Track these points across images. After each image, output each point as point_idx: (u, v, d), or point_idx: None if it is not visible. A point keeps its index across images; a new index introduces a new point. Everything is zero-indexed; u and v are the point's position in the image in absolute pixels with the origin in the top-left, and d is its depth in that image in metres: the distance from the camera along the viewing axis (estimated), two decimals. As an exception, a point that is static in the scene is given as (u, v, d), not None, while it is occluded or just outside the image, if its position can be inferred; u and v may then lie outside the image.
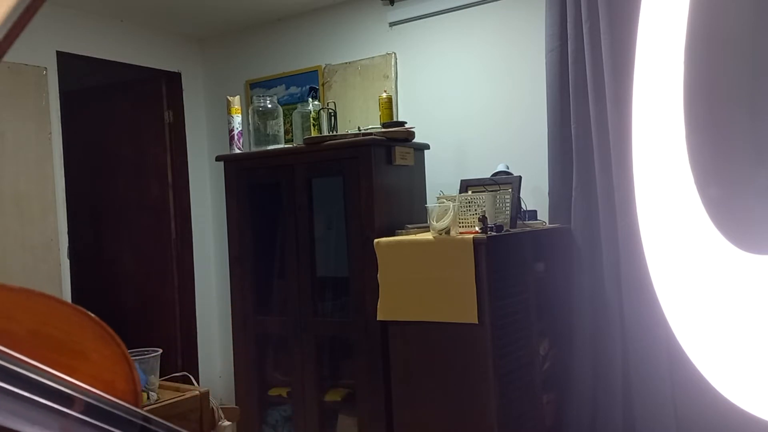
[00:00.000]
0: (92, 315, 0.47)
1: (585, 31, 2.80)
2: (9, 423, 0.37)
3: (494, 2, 3.32)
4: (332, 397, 3.05)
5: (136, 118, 4.37)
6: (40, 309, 0.47)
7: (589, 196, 2.86)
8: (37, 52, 3.50)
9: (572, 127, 2.88)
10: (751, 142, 2.08)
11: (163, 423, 0.43)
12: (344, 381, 3.09)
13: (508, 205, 2.73)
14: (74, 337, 0.45)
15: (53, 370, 0.40)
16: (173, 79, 4.30)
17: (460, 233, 2.50)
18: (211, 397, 2.37)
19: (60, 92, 3.64)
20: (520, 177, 2.95)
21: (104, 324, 0.47)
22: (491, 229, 2.47)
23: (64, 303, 0.47)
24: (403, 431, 2.66)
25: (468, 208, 2.62)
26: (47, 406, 0.38)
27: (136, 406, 0.44)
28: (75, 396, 0.40)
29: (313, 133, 3.24)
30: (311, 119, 3.31)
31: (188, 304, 4.30)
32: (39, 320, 0.45)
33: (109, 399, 0.41)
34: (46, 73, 3.53)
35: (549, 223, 2.98)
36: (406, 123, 3.13)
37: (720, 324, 1.85)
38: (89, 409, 0.40)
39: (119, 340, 0.47)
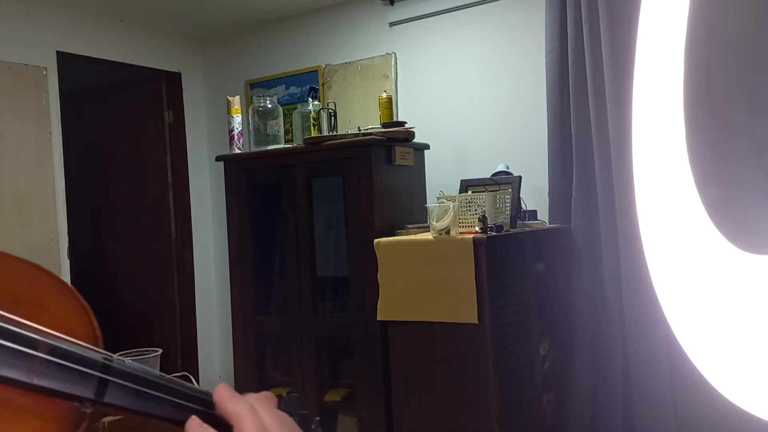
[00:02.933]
0: (48, 270, 0.51)
1: (585, 31, 2.80)
2: None
3: (494, 2, 3.32)
4: (332, 397, 3.05)
5: (136, 118, 4.37)
6: None
7: (589, 196, 2.86)
8: (37, 52, 3.50)
9: (572, 127, 2.88)
10: (751, 142, 2.08)
11: (122, 360, 0.46)
12: (344, 381, 3.09)
13: (508, 205, 2.73)
14: (33, 290, 0.48)
15: (18, 318, 0.44)
16: (173, 79, 4.30)
17: (460, 233, 2.50)
18: (211, 397, 2.37)
19: (60, 92, 3.64)
20: (520, 177, 2.95)
21: (60, 278, 0.51)
22: (491, 229, 2.47)
23: (20, 259, 0.51)
24: (403, 431, 2.66)
25: (468, 208, 2.62)
26: (15, 349, 0.42)
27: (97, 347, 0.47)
28: (39, 339, 0.43)
29: (313, 133, 3.24)
30: (311, 119, 3.31)
31: (188, 304, 4.30)
32: None
33: (71, 341, 0.44)
34: (46, 73, 3.53)
35: (549, 223, 2.98)
36: (406, 123, 3.13)
37: (720, 324, 1.85)
38: (53, 351, 0.43)
39: (76, 293, 0.50)
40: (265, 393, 0.54)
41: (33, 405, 0.42)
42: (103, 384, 0.45)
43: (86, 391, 0.44)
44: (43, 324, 0.45)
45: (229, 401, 0.49)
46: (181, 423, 0.50)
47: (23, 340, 0.42)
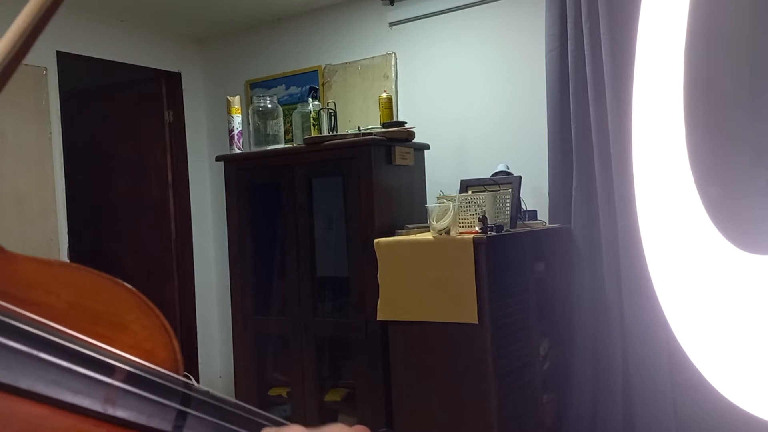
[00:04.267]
0: (130, 287, 0.48)
1: (585, 31, 2.80)
2: (52, 393, 0.38)
3: (494, 2, 3.32)
4: (332, 397, 3.05)
5: (136, 118, 4.37)
6: (78, 282, 0.47)
7: (589, 196, 2.86)
8: (37, 52, 3.48)
9: (572, 127, 2.88)
10: (751, 142, 2.08)
11: (203, 389, 0.44)
12: (344, 381, 3.09)
13: (508, 205, 2.73)
14: (113, 308, 0.46)
15: (93, 340, 0.41)
16: (173, 79, 4.30)
17: (460, 233, 2.50)
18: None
19: (60, 92, 3.64)
20: (520, 177, 2.95)
21: (142, 295, 0.47)
22: (491, 229, 2.47)
23: (101, 275, 0.48)
24: (403, 431, 2.66)
25: (468, 208, 2.62)
26: (89, 375, 0.39)
27: (177, 374, 0.44)
28: (116, 365, 0.40)
29: (313, 133, 3.24)
30: (311, 119, 3.31)
31: (188, 304, 4.30)
32: (78, 293, 0.45)
33: (150, 367, 0.42)
34: (46, 73, 3.53)
35: (549, 223, 2.98)
36: (406, 123, 3.13)
37: (720, 324, 1.85)
38: (131, 378, 0.40)
39: (158, 311, 0.47)
40: (358, 429, 0.50)
41: None
42: (182, 416, 0.42)
43: (164, 424, 0.41)
44: (123, 346, 0.43)
45: None
46: None
47: (98, 366, 0.40)
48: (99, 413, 0.39)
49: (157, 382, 0.41)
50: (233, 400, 0.46)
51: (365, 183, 2.81)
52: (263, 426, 0.46)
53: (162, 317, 0.47)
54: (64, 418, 0.39)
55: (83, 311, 0.44)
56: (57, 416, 0.38)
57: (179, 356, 0.45)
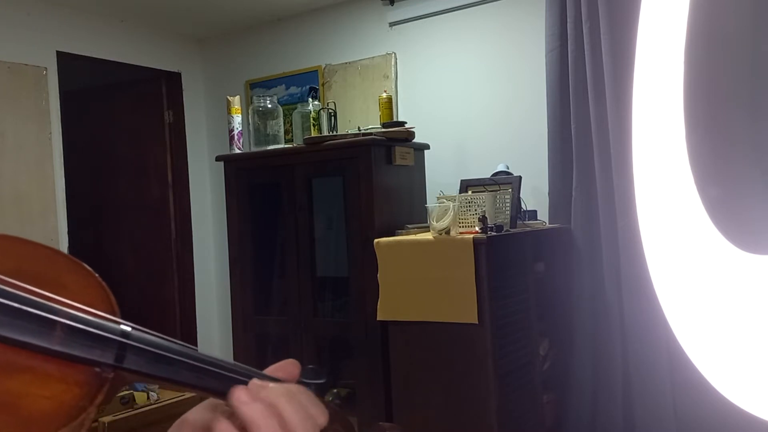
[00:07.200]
0: (65, 253, 0.54)
1: (585, 31, 2.80)
2: (4, 332, 0.43)
3: (494, 2, 3.32)
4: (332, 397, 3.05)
5: (136, 118, 4.37)
6: (16, 250, 0.53)
7: (589, 196, 2.86)
8: (37, 52, 3.50)
9: (572, 127, 2.88)
10: (751, 142, 2.08)
11: (141, 329, 0.48)
12: (344, 381, 3.09)
13: (508, 205, 2.73)
14: (52, 271, 0.51)
15: (38, 289, 0.47)
16: (173, 79, 4.30)
17: (460, 233, 2.50)
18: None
19: (60, 92, 3.64)
20: (520, 177, 2.95)
21: (78, 260, 0.53)
22: (491, 229, 2.47)
23: (37, 244, 0.53)
24: (403, 431, 2.66)
25: (468, 208, 2.62)
26: (36, 315, 0.44)
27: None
28: (59, 308, 0.45)
29: (313, 133, 3.24)
30: (311, 119, 3.31)
31: (188, 304, 4.30)
32: (18, 259, 0.51)
33: (90, 311, 0.47)
34: (46, 73, 3.53)
35: (549, 223, 2.98)
36: (406, 123, 3.13)
37: (720, 324, 1.85)
38: (73, 318, 0.45)
39: (94, 272, 0.52)
40: (287, 363, 0.56)
41: (56, 370, 0.44)
42: (122, 349, 0.47)
43: (106, 356, 0.46)
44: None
45: (244, 406, 0.49)
46: (203, 390, 0.51)
47: (44, 308, 0.45)
48: (47, 349, 0.44)
49: (97, 322, 0.46)
50: (177, 340, 0.50)
51: (365, 183, 2.81)
52: (205, 360, 0.51)
53: (98, 277, 0.52)
54: (16, 356, 0.43)
55: (26, 274, 0.48)
56: (9, 353, 0.43)
57: (116, 308, 0.49)
